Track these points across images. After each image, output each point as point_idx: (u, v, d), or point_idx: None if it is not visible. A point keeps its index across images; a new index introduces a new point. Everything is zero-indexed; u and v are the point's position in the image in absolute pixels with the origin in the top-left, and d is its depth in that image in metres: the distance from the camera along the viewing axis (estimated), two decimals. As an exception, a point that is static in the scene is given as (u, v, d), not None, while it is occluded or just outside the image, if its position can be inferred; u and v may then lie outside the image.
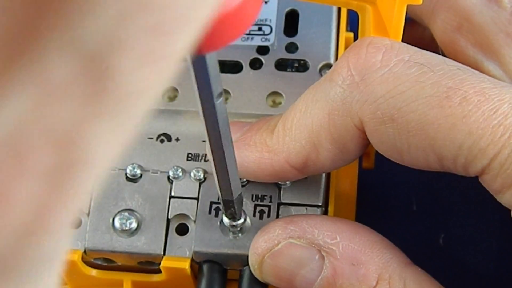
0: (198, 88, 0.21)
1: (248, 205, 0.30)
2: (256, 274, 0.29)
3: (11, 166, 0.11)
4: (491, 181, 0.25)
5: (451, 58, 0.27)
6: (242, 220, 0.29)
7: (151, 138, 0.31)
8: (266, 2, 0.33)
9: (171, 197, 0.30)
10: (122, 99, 0.12)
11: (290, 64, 0.32)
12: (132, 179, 0.31)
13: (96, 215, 0.30)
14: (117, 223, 0.30)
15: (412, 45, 0.27)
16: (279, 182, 0.30)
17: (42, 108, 0.11)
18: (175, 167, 0.30)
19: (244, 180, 0.30)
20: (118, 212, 0.30)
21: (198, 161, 0.31)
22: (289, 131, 0.28)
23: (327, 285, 0.27)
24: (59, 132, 0.12)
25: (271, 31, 0.33)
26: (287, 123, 0.28)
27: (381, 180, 0.40)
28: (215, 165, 0.25)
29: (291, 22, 0.33)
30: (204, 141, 0.31)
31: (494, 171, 0.25)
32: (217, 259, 0.30)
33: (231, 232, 0.29)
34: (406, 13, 0.27)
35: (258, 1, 0.17)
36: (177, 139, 0.31)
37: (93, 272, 0.31)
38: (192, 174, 0.30)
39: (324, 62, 0.32)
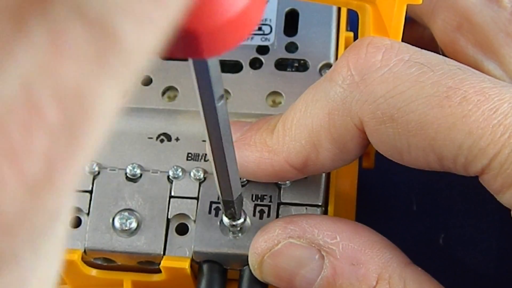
0: (199, 90, 0.22)
1: (248, 205, 0.30)
2: (256, 274, 0.29)
3: (22, 122, 0.12)
4: (491, 181, 0.25)
5: (451, 58, 0.27)
6: (242, 220, 0.29)
7: (151, 138, 0.31)
8: (266, 2, 0.33)
9: (171, 197, 0.30)
10: (124, 58, 0.13)
11: (290, 64, 0.32)
12: (132, 179, 0.31)
13: (96, 215, 0.30)
14: (117, 223, 0.30)
15: (412, 45, 0.27)
16: (279, 182, 0.30)
17: (51, 66, 0.12)
18: (175, 167, 0.30)
19: (244, 180, 0.30)
20: (118, 212, 0.30)
21: (198, 161, 0.31)
22: (289, 131, 0.28)
23: (327, 285, 0.27)
24: (67, 89, 0.12)
25: (271, 31, 0.33)
26: (287, 123, 0.28)
27: (381, 180, 0.40)
28: (215, 165, 0.25)
29: (291, 22, 0.33)
30: (204, 141, 0.31)
31: (494, 171, 0.25)
32: (217, 259, 0.30)
33: (231, 232, 0.29)
34: (406, 13, 0.27)
35: (261, 6, 0.17)
36: (177, 139, 0.31)
37: (93, 272, 0.31)
38: (192, 174, 0.30)
39: (324, 62, 0.32)
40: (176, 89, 0.32)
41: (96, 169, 0.31)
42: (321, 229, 0.28)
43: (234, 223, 0.29)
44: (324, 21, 0.33)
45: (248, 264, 0.29)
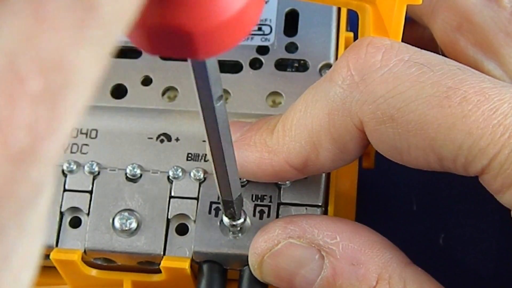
0: (198, 90, 0.22)
1: (248, 205, 0.30)
2: (256, 274, 0.29)
3: (5, 93, 0.12)
4: (491, 181, 0.25)
5: (451, 58, 0.27)
6: (242, 220, 0.29)
7: (151, 138, 0.31)
8: (266, 2, 0.33)
9: (171, 197, 0.30)
10: (102, 25, 0.13)
11: (290, 64, 0.32)
12: (132, 179, 0.31)
13: (96, 215, 0.30)
14: (117, 223, 0.30)
15: (412, 45, 0.27)
16: (279, 182, 0.30)
17: (33, 36, 0.12)
18: (175, 167, 0.30)
19: (244, 180, 0.30)
20: (118, 212, 0.30)
21: (198, 161, 0.31)
22: (289, 131, 0.28)
23: (327, 285, 0.27)
24: (48, 58, 0.13)
25: (271, 31, 0.33)
26: (287, 123, 0.28)
27: (381, 180, 0.40)
28: (215, 166, 0.25)
29: (291, 22, 0.33)
30: (204, 141, 0.31)
31: (494, 171, 0.25)
32: (217, 259, 0.30)
33: (231, 232, 0.29)
34: (406, 13, 0.27)
35: (258, 7, 0.17)
36: (177, 139, 0.31)
37: (93, 272, 0.31)
38: (192, 174, 0.30)
39: (324, 62, 0.32)
40: (176, 89, 0.32)
41: (96, 169, 0.31)
42: (321, 229, 0.28)
43: (234, 223, 0.29)
44: (324, 21, 0.33)
45: (248, 264, 0.29)
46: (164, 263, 0.29)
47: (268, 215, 0.30)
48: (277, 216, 0.30)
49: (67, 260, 0.30)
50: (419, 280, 0.27)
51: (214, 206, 0.30)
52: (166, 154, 0.31)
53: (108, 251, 0.30)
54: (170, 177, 0.30)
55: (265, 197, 0.30)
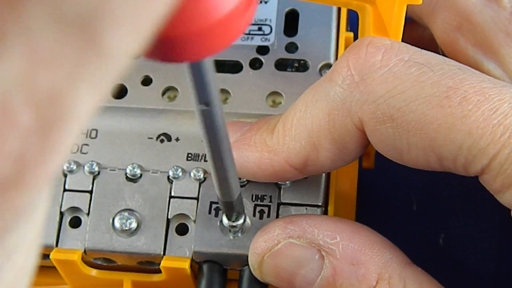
0: (194, 95, 0.22)
1: (248, 205, 0.30)
2: (256, 274, 0.29)
3: None
4: (491, 181, 0.25)
5: (451, 58, 0.27)
6: (242, 221, 0.29)
7: (151, 138, 0.31)
8: (266, 2, 0.33)
9: (171, 197, 0.30)
10: (103, 62, 0.13)
11: (290, 64, 0.32)
12: (132, 179, 0.31)
13: (96, 215, 0.30)
14: (117, 223, 0.30)
15: (412, 45, 0.27)
16: (279, 182, 0.30)
17: (27, 74, 0.12)
18: (175, 167, 0.30)
19: (244, 180, 0.30)
20: (118, 212, 0.30)
21: (198, 161, 0.31)
22: (289, 131, 0.28)
23: (327, 285, 0.27)
24: (42, 93, 0.12)
25: (271, 31, 0.33)
26: (287, 123, 0.28)
27: (381, 180, 0.40)
28: (214, 168, 0.25)
29: (291, 22, 0.33)
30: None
31: (494, 171, 0.25)
32: (217, 259, 0.30)
33: (231, 232, 0.29)
34: (406, 13, 0.27)
35: (245, 15, 0.17)
36: (177, 139, 0.31)
37: (93, 272, 0.31)
38: (192, 174, 0.30)
39: (324, 62, 0.32)
40: (176, 89, 0.32)
41: (96, 169, 0.31)
42: (321, 229, 0.28)
43: (234, 224, 0.29)
44: (324, 21, 0.33)
45: (248, 264, 0.29)
46: (164, 263, 0.29)
47: (268, 215, 0.30)
48: (277, 216, 0.30)
49: (67, 260, 0.30)
50: (419, 280, 0.27)
51: (214, 206, 0.30)
52: (166, 154, 0.31)
53: (108, 251, 0.30)
54: (170, 177, 0.30)
55: (265, 197, 0.30)
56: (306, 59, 0.32)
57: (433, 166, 0.26)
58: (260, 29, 0.33)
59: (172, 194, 0.30)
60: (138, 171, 0.31)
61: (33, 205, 0.14)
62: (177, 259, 0.29)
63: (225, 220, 0.29)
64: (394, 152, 0.26)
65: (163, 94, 0.32)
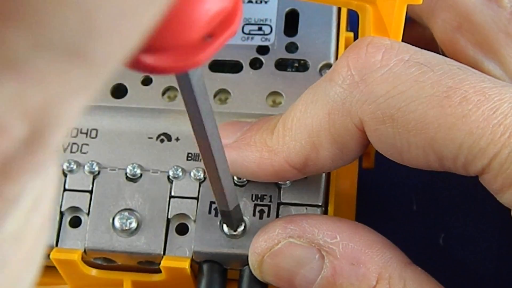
0: (186, 104, 0.22)
1: (248, 205, 0.30)
2: (256, 273, 0.29)
3: None
4: (491, 180, 0.25)
5: (451, 58, 0.27)
6: (242, 228, 0.29)
7: (151, 138, 0.31)
8: (266, 2, 0.33)
9: (171, 197, 0.30)
10: (91, 74, 0.13)
11: (290, 64, 0.32)
12: (132, 179, 0.31)
13: (96, 214, 0.30)
14: (117, 223, 0.30)
15: (412, 45, 0.27)
16: (279, 182, 0.30)
17: (18, 96, 0.12)
18: (175, 167, 0.30)
19: (244, 180, 0.30)
20: (118, 212, 0.30)
21: (198, 160, 0.31)
22: (289, 131, 0.28)
23: (327, 285, 0.27)
24: (33, 109, 0.13)
25: (271, 31, 0.33)
26: (287, 123, 0.28)
27: (381, 180, 0.40)
28: (208, 176, 0.26)
29: (291, 22, 0.33)
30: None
31: (494, 171, 0.25)
32: (217, 259, 0.30)
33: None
34: (406, 13, 0.27)
35: (236, 19, 0.17)
36: (177, 139, 0.31)
37: (93, 271, 0.31)
38: (192, 174, 0.30)
39: (324, 62, 0.32)
40: (176, 89, 0.32)
41: (96, 169, 0.31)
42: (321, 229, 0.28)
43: (234, 233, 0.29)
44: (324, 21, 0.33)
45: (248, 264, 0.29)
46: (164, 263, 0.29)
47: (268, 215, 0.30)
48: (277, 216, 0.30)
49: (67, 259, 0.30)
50: (419, 280, 0.27)
51: (214, 206, 0.30)
52: (166, 153, 0.31)
53: (108, 250, 0.30)
54: (170, 177, 0.30)
55: (265, 197, 0.30)
56: (306, 59, 0.32)
57: (433, 166, 0.26)
58: (260, 29, 0.33)
59: (172, 194, 0.30)
60: (138, 171, 0.31)
61: (34, 194, 0.14)
62: (177, 259, 0.29)
63: (225, 228, 0.29)
64: (394, 152, 0.26)
65: (163, 94, 0.32)
